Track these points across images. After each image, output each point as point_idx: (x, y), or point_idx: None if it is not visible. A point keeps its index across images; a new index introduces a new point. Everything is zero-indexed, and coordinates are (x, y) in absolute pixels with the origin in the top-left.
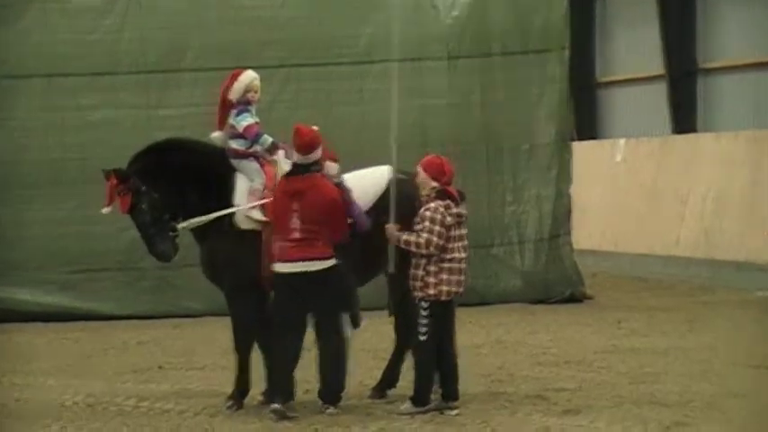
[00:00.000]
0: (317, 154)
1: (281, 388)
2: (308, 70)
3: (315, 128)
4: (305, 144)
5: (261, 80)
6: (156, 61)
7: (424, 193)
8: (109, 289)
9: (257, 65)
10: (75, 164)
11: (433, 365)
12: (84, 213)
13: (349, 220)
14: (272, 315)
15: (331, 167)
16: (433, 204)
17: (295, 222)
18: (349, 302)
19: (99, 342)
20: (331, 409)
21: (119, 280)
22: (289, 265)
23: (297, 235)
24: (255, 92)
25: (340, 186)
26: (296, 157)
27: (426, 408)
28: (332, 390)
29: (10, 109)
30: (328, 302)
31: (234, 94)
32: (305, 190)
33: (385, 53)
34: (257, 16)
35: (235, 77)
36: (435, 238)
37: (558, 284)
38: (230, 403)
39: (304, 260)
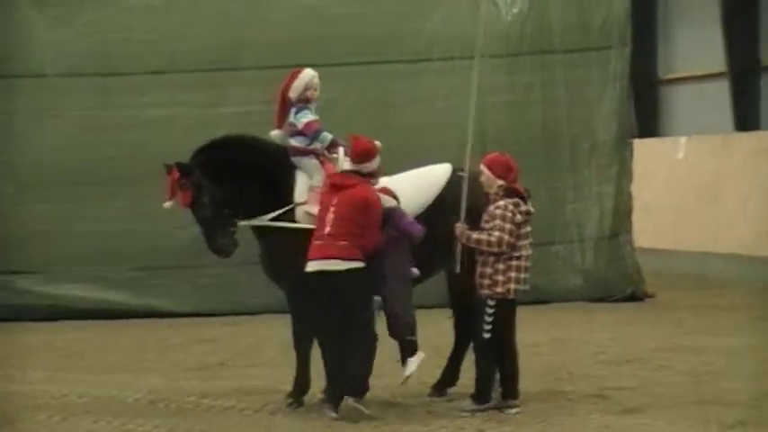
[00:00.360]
0: (372, 165)
1: (355, 384)
2: (366, 68)
3: (376, 142)
4: (361, 153)
5: (320, 78)
6: (213, 60)
7: (491, 191)
8: (169, 286)
9: (315, 63)
10: (141, 161)
11: (494, 363)
12: (146, 210)
13: (395, 232)
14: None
15: (388, 201)
16: (502, 202)
17: (330, 217)
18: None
19: (159, 339)
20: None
21: (179, 277)
22: (310, 264)
23: (328, 230)
24: (315, 90)
25: (392, 209)
26: (350, 165)
27: (487, 406)
28: (351, 384)
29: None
30: (343, 307)
31: (294, 93)
32: (346, 186)
33: (444, 50)
34: (316, 14)
35: (295, 76)
36: (507, 237)
37: (619, 283)
38: (290, 401)
39: (323, 258)
